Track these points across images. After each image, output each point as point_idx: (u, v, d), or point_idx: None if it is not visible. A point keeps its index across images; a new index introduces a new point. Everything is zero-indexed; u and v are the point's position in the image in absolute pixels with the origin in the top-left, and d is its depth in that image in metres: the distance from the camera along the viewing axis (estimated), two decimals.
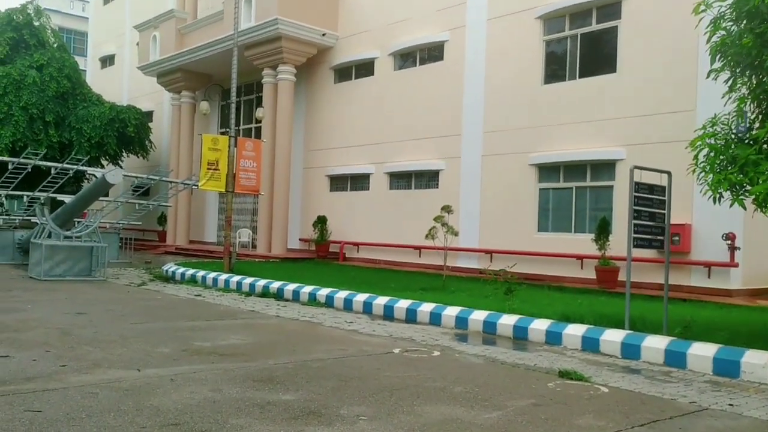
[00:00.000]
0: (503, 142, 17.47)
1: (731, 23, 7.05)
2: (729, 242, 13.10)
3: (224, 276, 14.32)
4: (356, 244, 21.36)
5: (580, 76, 16.16)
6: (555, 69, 16.74)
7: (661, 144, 14.27)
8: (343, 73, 22.83)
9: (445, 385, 5.75)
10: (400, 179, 20.58)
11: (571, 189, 16.17)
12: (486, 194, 17.88)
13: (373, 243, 20.71)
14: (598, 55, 16.02)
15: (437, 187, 19.31)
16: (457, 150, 18.73)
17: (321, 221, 21.98)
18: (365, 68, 21.99)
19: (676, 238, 13.69)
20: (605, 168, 15.50)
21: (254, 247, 23.85)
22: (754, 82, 6.98)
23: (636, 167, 7.80)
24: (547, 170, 16.70)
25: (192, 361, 6.49)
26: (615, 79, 15.35)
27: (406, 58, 20.79)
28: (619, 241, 14.63)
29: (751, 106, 7.52)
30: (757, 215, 13.79)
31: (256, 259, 20.75)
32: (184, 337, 7.86)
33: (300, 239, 23.39)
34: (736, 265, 13.22)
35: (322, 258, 21.69)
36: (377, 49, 21.35)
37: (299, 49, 22.23)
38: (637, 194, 7.78)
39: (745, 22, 6.57)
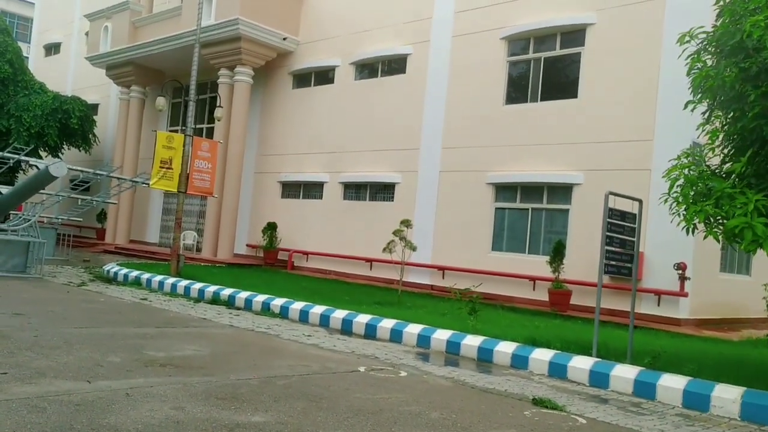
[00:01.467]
0: (462, 159, 17.45)
1: (710, 56, 7.11)
2: (680, 272, 13.36)
3: (171, 280, 13.71)
4: (306, 253, 20.94)
5: (541, 99, 16.31)
6: (517, 90, 16.86)
7: (618, 171, 14.50)
8: (302, 79, 22.48)
9: (420, 410, 5.50)
10: (355, 190, 20.32)
11: (528, 210, 16.25)
12: (441, 210, 17.80)
13: (324, 253, 20.35)
14: (560, 80, 16.21)
15: (392, 200, 19.14)
16: (414, 164, 18.62)
17: (271, 228, 21.48)
18: (325, 76, 21.70)
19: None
20: (562, 191, 15.64)
21: (199, 250, 23.11)
22: (731, 116, 7.04)
23: (611, 193, 7.78)
24: (504, 190, 16.75)
25: (147, 373, 6.04)
26: (576, 104, 15.55)
27: (368, 68, 20.62)
28: (572, 265, 14.80)
29: (723, 140, 7.62)
30: (707, 246, 14.14)
31: (202, 263, 20.07)
32: (134, 345, 7.36)
33: (247, 245, 22.79)
34: (686, 295, 13.49)
35: (270, 265, 21.17)
36: (338, 57, 21.11)
37: (258, 52, 21.77)
38: (610, 220, 7.74)
39: (726, 56, 6.61)
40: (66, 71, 33.28)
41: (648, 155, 14.21)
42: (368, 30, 20.29)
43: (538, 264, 15.51)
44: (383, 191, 19.52)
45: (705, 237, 7.06)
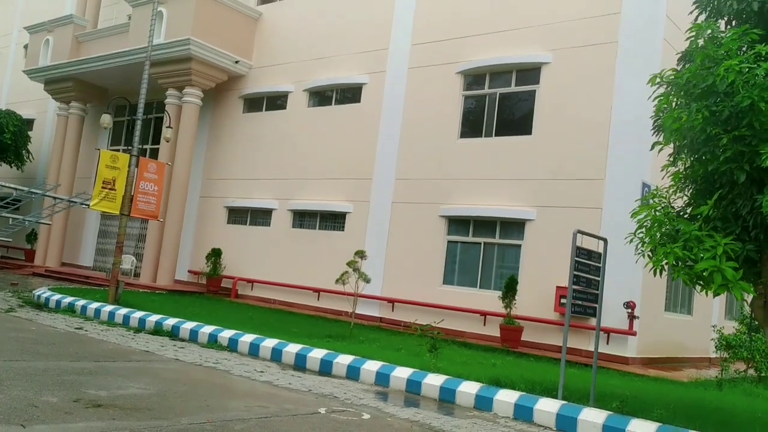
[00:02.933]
0: (415, 190, 17.32)
1: (677, 99, 7.15)
2: (629, 310, 13.47)
3: (109, 307, 12.92)
4: (251, 281, 20.30)
5: (496, 134, 16.40)
6: (472, 124, 16.90)
7: (570, 208, 14.62)
8: (253, 103, 22.05)
9: None
10: (305, 218, 19.90)
11: (480, 244, 16.19)
12: (393, 241, 17.57)
13: (270, 281, 19.76)
14: (514, 116, 16.37)
15: (343, 230, 18.80)
16: (366, 194, 18.38)
17: (215, 254, 20.76)
18: (277, 101, 21.36)
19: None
20: (515, 226, 15.67)
21: (137, 275, 22.10)
22: (697, 159, 7.08)
23: (579, 231, 7.69)
24: (456, 223, 16.67)
25: (88, 416, 5.47)
26: (530, 140, 15.68)
27: (322, 95, 20.39)
28: (524, 301, 14.75)
29: (687, 182, 7.66)
30: (653, 285, 14.36)
31: (140, 290, 19.15)
32: (72, 382, 6.74)
33: (189, 271, 21.95)
34: (635, 334, 13.60)
35: (213, 293, 20.41)
36: (292, 83, 20.82)
37: (209, 73, 21.27)
38: (577, 259, 7.64)
39: (697, 99, 6.66)
40: (1, 84, 31.82)
41: (599, 194, 14.40)
42: (323, 57, 20.10)
43: (489, 299, 15.41)
44: (334, 220, 19.17)
45: (674, 279, 7.02)
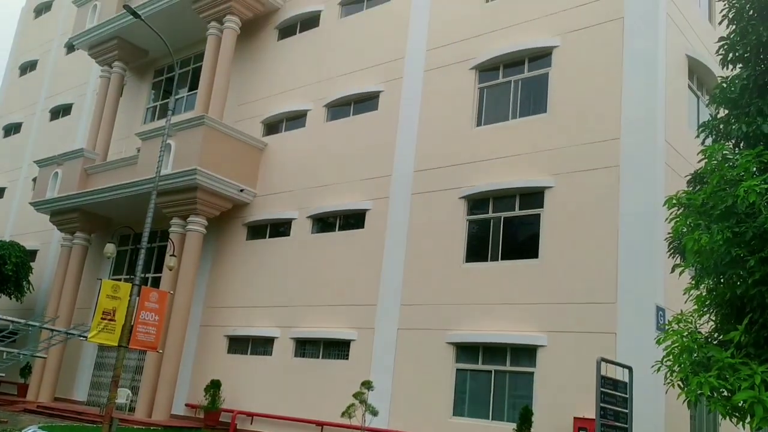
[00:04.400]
0: (421, 316, 16.92)
1: (695, 220, 7.04)
2: None
3: None
4: (250, 414, 19.35)
5: (502, 258, 16.23)
6: (477, 248, 16.77)
7: (582, 334, 14.19)
8: (257, 230, 22.13)
9: None
10: (307, 346, 19.33)
11: (491, 372, 15.57)
12: (399, 370, 16.91)
13: (270, 414, 18.84)
14: (520, 239, 16.30)
15: (347, 359, 18.18)
16: (371, 320, 17.95)
17: (214, 386, 19.95)
18: (281, 228, 21.44)
19: None
20: (526, 353, 15.12)
21: (131, 410, 21.13)
22: (722, 282, 6.86)
23: (603, 359, 7.31)
24: (465, 350, 16.10)
25: None
26: (537, 264, 15.49)
27: (325, 222, 20.49)
28: None
29: (711, 306, 7.40)
30: (676, 414, 13.62)
31: (135, 426, 18.23)
32: None
33: (186, 404, 21.02)
34: None
35: (211, 428, 19.42)
36: (296, 210, 20.99)
37: (214, 202, 21.52)
38: (603, 390, 7.20)
39: (716, 221, 6.55)
40: (7, 216, 32.21)
41: (612, 318, 14.01)
42: (327, 185, 20.39)
43: (502, 431, 14.59)
44: (338, 348, 18.59)
45: (710, 411, 6.59)
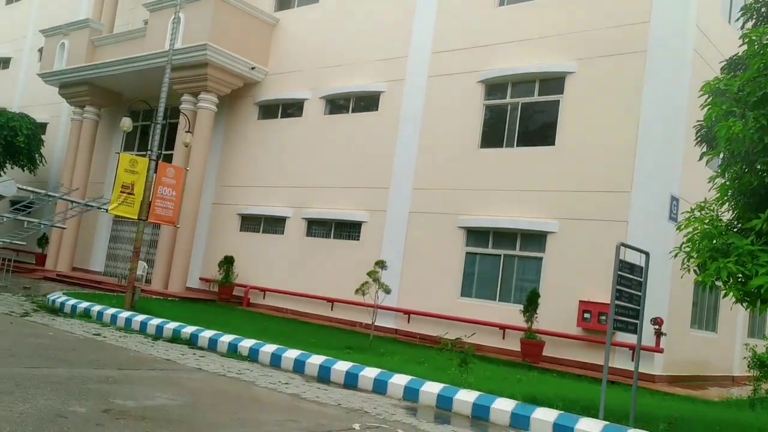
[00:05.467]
0: (433, 200, 17.05)
1: (730, 107, 6.89)
2: (657, 327, 13.14)
3: (125, 314, 12.67)
4: (263, 290, 20.03)
5: (518, 144, 16.14)
6: (493, 134, 16.64)
7: (594, 221, 14.34)
8: (269, 110, 21.87)
9: None
10: (319, 227, 19.65)
11: (500, 256, 15.89)
12: (409, 252, 17.27)
13: (282, 290, 19.48)
14: (537, 126, 16.11)
15: (358, 239, 18.53)
16: (383, 203, 18.12)
17: (228, 261, 20.50)
18: (293, 108, 21.17)
19: (603, 317, 13.61)
20: (536, 239, 15.37)
21: (148, 282, 21.81)
22: (750, 170, 6.82)
23: (622, 244, 7.42)
24: (475, 234, 16.38)
25: (120, 427, 5.21)
26: (553, 151, 15.40)
27: (339, 103, 20.20)
28: (546, 315, 14.44)
29: (733, 195, 7.40)
30: (679, 301, 14.05)
31: (153, 296, 18.90)
32: (98, 390, 6.48)
33: (201, 278, 21.70)
34: (661, 351, 13.27)
35: (225, 301, 20.14)
36: (308, 90, 20.63)
37: (225, 80, 21.11)
38: (620, 273, 7.36)
39: (752, 108, 6.40)
40: (14, 87, 31.73)
41: (625, 207, 14.10)
42: (341, 65, 19.91)
43: (509, 312, 15.10)
44: (349, 229, 18.91)
45: (725, 296, 6.76)
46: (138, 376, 7.61)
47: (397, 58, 18.64)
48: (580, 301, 14.16)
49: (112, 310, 12.86)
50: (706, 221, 6.98)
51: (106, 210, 14.32)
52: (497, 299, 15.77)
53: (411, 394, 8.39)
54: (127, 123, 14.67)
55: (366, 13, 19.70)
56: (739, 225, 7.15)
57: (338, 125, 19.79)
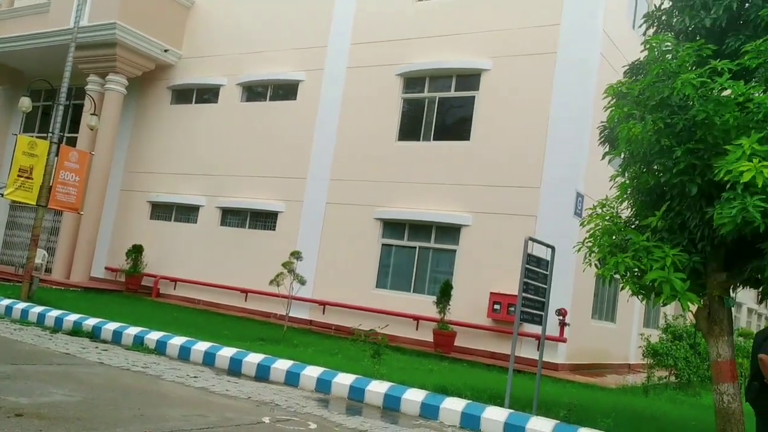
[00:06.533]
0: (350, 192, 17.05)
1: (630, 110, 7.21)
2: (561, 318, 13.69)
3: (22, 305, 11.98)
4: (174, 280, 19.46)
5: (434, 138, 16.36)
6: (410, 127, 16.79)
7: (506, 215, 14.75)
8: (183, 95, 21.19)
9: None
10: (234, 216, 19.26)
11: (415, 248, 16.10)
12: (325, 243, 17.22)
13: (194, 281, 18.99)
14: (453, 121, 16.39)
15: (274, 229, 18.30)
16: (300, 194, 17.96)
17: (136, 250, 19.76)
18: (209, 94, 20.61)
19: (512, 308, 14.03)
20: (450, 231, 15.66)
21: (48, 271, 20.76)
22: (647, 171, 7.18)
23: (530, 239, 7.66)
24: (391, 226, 16.52)
25: (10, 426, 4.92)
26: (468, 146, 15.72)
27: (256, 90, 19.83)
28: (458, 306, 14.76)
29: (632, 193, 7.77)
30: (581, 293, 14.69)
31: (53, 286, 18.00)
32: None
33: (107, 268, 20.84)
34: (565, 341, 13.84)
35: (133, 291, 19.41)
36: (224, 76, 20.12)
37: (135, 61, 20.27)
38: (528, 266, 7.60)
39: (651, 111, 6.73)
40: None
41: (534, 202, 14.59)
42: (259, 51, 19.53)
43: (422, 303, 15.33)
44: (264, 219, 18.64)
45: (622, 288, 7.10)
46: (34, 372, 7.22)
47: (316, 47, 18.47)
48: (491, 293, 14.54)
49: (6, 301, 12.13)
50: (607, 218, 7.30)
51: (1, 195, 13.45)
52: (412, 290, 15.98)
53: (323, 386, 8.38)
54: (26, 103, 13.84)
55: (286, 0, 19.39)
56: (637, 222, 7.52)
57: (255, 113, 19.43)
